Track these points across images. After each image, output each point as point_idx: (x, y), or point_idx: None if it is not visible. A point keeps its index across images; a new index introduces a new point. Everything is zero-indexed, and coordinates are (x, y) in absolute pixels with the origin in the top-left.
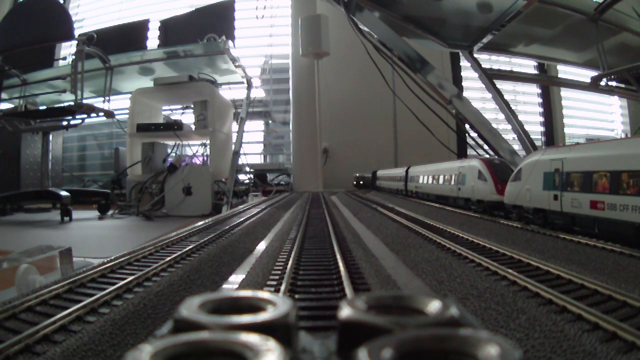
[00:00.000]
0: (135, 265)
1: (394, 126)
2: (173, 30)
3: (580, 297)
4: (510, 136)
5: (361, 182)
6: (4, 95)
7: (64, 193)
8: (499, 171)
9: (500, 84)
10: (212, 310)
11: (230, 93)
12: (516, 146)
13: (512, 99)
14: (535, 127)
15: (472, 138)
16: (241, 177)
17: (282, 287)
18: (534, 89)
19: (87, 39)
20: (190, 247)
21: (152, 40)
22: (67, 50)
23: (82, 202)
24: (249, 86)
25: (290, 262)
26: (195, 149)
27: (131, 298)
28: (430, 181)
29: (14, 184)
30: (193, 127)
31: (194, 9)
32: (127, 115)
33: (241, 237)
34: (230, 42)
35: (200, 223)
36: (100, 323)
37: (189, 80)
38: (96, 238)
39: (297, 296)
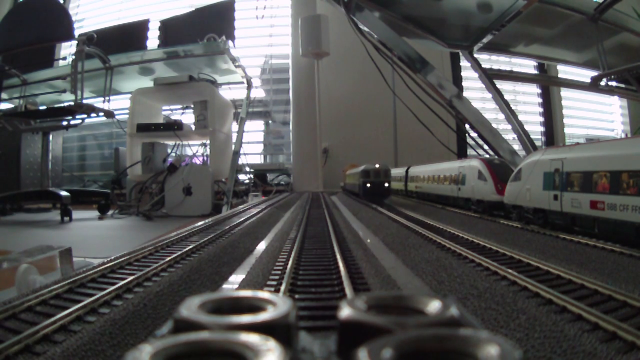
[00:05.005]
0: (135, 265)
1: (394, 126)
2: (173, 30)
3: (580, 297)
4: (510, 136)
5: (373, 185)
6: (4, 95)
7: (64, 193)
8: (499, 171)
9: (500, 84)
10: (212, 310)
11: (230, 93)
12: (516, 146)
13: (512, 99)
14: (535, 127)
15: (472, 138)
16: (241, 177)
17: (282, 287)
18: (534, 89)
19: (87, 39)
20: (190, 247)
21: (152, 40)
22: (67, 50)
23: (82, 202)
24: (249, 86)
25: (290, 262)
26: (195, 149)
27: (131, 298)
28: (430, 181)
29: (14, 184)
30: (193, 127)
31: (194, 9)
32: (127, 115)
33: (241, 237)
34: (230, 42)
35: (200, 223)
36: (100, 323)
37: (189, 80)
38: (96, 238)
39: (297, 296)
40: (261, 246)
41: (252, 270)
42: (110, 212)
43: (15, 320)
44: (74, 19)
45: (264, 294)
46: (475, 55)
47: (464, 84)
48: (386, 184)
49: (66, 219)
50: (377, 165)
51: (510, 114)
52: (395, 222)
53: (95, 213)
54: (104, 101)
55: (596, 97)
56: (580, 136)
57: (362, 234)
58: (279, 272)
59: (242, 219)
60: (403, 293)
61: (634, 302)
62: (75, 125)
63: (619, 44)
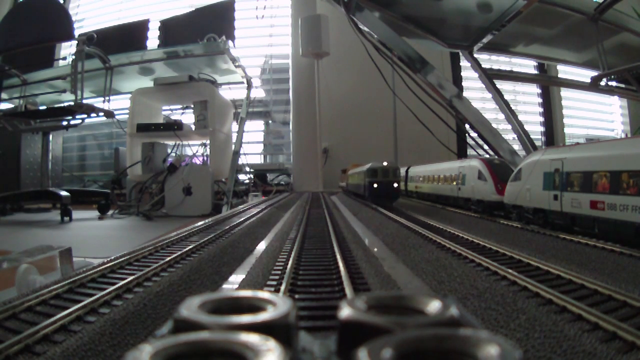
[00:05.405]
0: (135, 265)
1: (394, 126)
2: (173, 30)
3: (580, 297)
4: (510, 136)
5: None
6: (4, 95)
7: (64, 193)
8: (499, 171)
9: (500, 84)
10: (212, 310)
11: (230, 93)
12: (516, 146)
13: (512, 99)
14: (535, 127)
15: (472, 138)
16: (241, 177)
17: (282, 287)
18: (534, 89)
19: (87, 39)
20: (190, 247)
21: (152, 40)
22: (67, 50)
23: (82, 202)
24: (249, 86)
25: (290, 262)
26: (195, 149)
27: (131, 298)
28: (430, 181)
29: (14, 184)
30: (193, 127)
31: (194, 9)
32: (127, 115)
33: (241, 237)
34: (230, 42)
35: (200, 223)
36: (100, 323)
37: (189, 80)
38: (96, 238)
39: (297, 296)
40: (261, 246)
41: (252, 270)
42: (110, 212)
43: (15, 320)
44: (74, 19)
45: (264, 294)
46: (475, 55)
47: (464, 84)
48: (395, 184)
49: (66, 219)
50: (385, 163)
51: (510, 114)
52: (395, 222)
53: (95, 213)
54: (104, 101)
55: (596, 97)
56: (580, 136)
57: (361, 233)
58: (279, 272)
59: (242, 219)
60: (403, 293)
61: (633, 302)
62: (75, 125)
63: (619, 44)
